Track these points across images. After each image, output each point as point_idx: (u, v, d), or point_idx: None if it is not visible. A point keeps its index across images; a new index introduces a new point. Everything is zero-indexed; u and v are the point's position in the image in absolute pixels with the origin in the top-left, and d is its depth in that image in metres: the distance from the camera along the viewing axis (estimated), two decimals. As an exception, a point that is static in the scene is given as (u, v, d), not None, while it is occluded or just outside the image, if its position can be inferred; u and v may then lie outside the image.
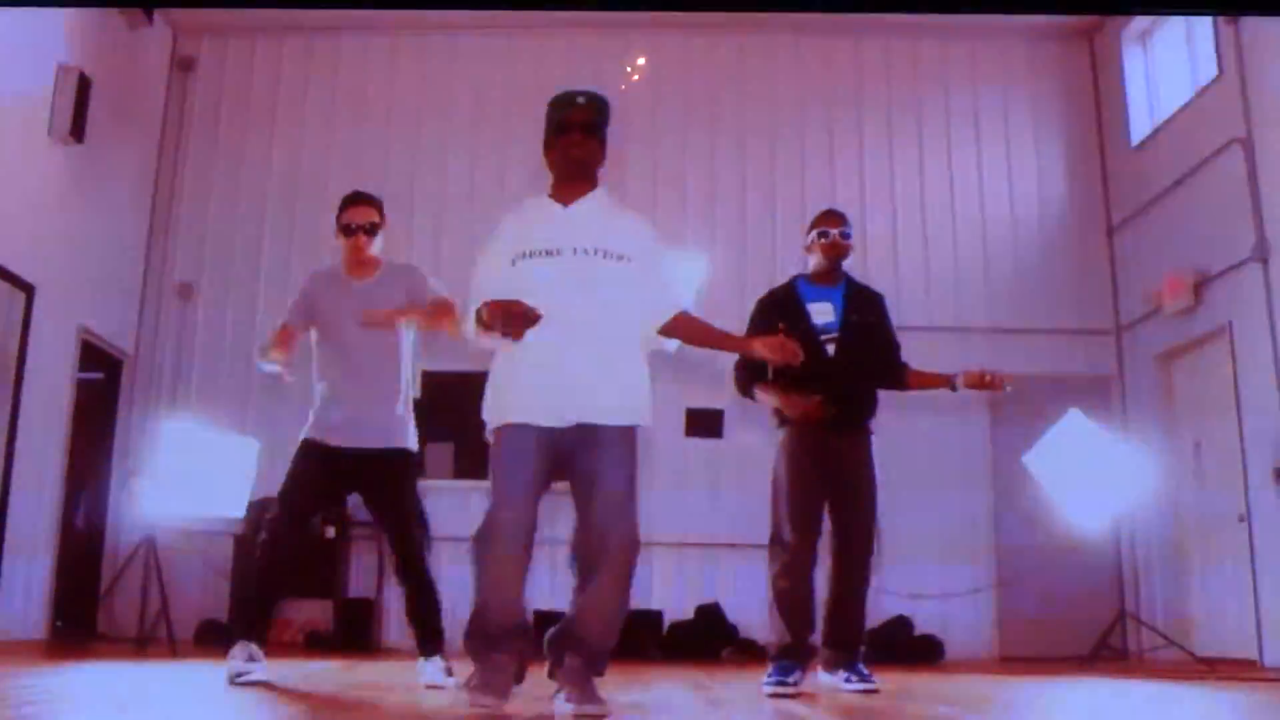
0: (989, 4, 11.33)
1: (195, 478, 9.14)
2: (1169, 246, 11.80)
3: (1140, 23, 12.76)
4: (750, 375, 6.73)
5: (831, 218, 7.04)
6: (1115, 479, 9.90)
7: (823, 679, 6.60)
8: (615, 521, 4.74)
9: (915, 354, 12.24)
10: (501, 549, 4.69)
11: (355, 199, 6.90)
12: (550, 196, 5.13)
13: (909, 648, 11.23)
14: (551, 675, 4.90)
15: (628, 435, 4.87)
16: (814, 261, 6.99)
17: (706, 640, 11.37)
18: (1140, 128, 12.67)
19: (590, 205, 5.05)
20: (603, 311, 4.81)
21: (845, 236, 6.98)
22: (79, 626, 11.50)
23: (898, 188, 13.40)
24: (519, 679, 4.85)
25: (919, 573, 12.06)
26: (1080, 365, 12.75)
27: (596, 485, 4.76)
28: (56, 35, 11.02)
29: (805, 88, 13.58)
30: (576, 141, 5.02)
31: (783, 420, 6.75)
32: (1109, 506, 10.19)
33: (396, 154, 13.26)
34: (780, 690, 6.25)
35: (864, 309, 7.01)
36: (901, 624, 11.51)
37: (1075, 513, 10.17)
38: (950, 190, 13.39)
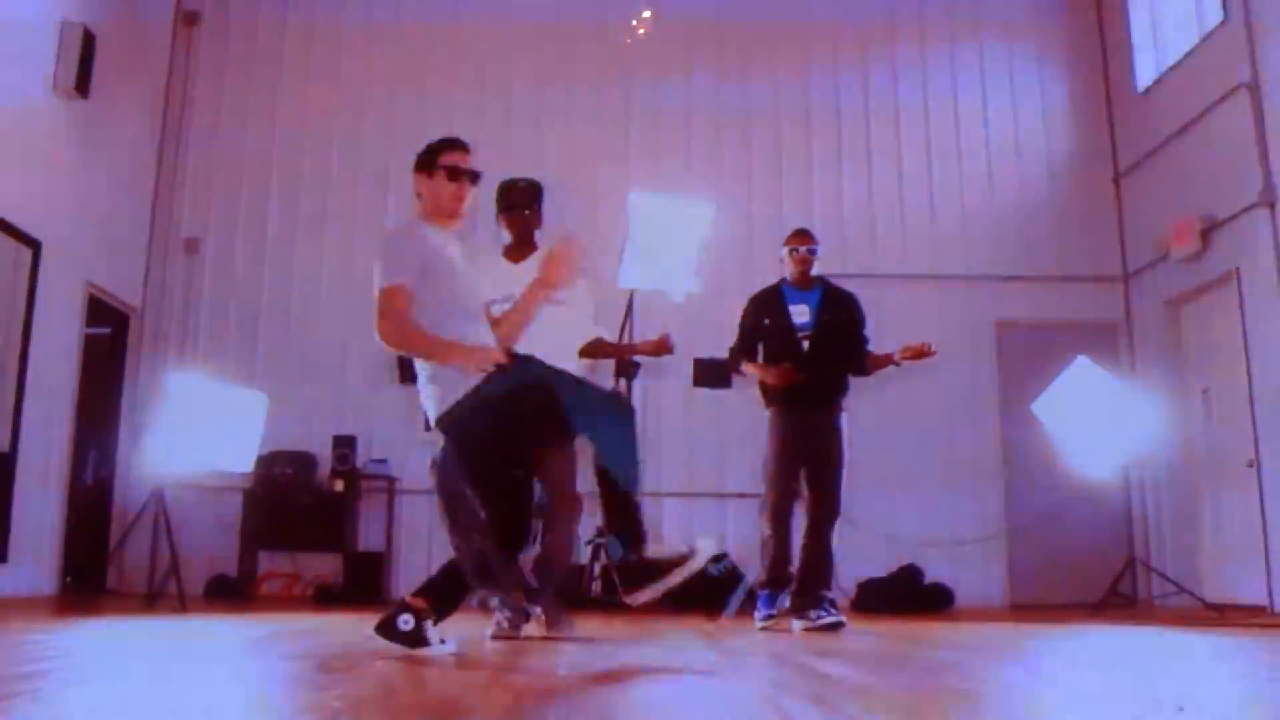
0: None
1: (204, 431, 9.10)
2: (1176, 193, 11.72)
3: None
4: (741, 355, 8.18)
5: (798, 236, 8.22)
6: (1124, 425, 9.89)
7: (794, 624, 7.57)
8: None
9: (925, 301, 12.37)
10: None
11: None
12: (504, 256, 7.03)
13: (919, 596, 11.20)
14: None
15: None
16: (789, 271, 8.21)
17: (716, 590, 11.33)
18: (1146, 74, 12.57)
19: (532, 264, 6.54)
20: (543, 337, 6.00)
21: (811, 252, 8.15)
22: (88, 582, 11.48)
23: (904, 138, 13.32)
24: None
25: (928, 521, 12.07)
26: (1088, 312, 12.70)
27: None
28: (59, -9, 10.95)
29: (813, 40, 13.49)
30: (520, 220, 7.04)
31: (769, 400, 8.05)
32: (1118, 453, 10.19)
33: (400, 107, 13.21)
34: (768, 624, 7.69)
35: (836, 310, 8.16)
36: (911, 572, 11.46)
37: (1084, 459, 10.18)
38: (957, 141, 13.31)
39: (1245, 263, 10.58)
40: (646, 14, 12.35)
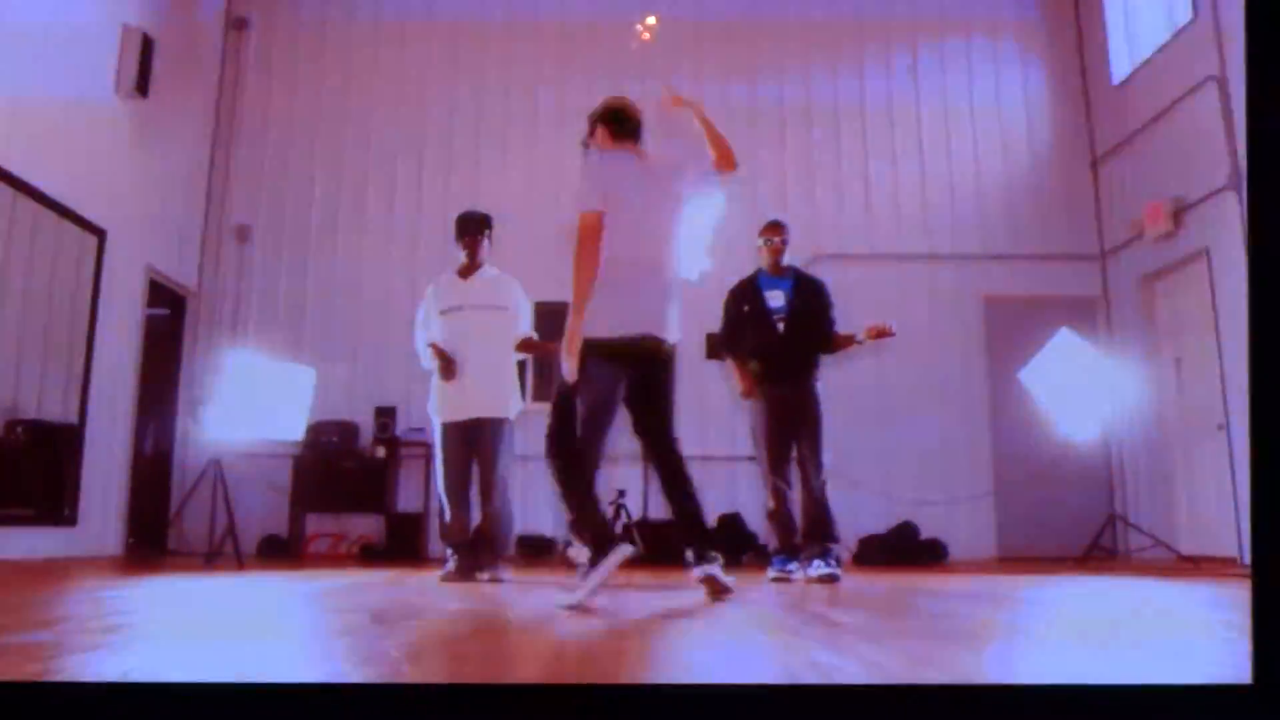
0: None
1: (257, 404, 9.20)
2: (1150, 177, 11.72)
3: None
4: (725, 343, 8.56)
5: (772, 228, 8.48)
6: (1103, 392, 9.97)
7: (795, 574, 7.86)
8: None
9: (915, 279, 12.45)
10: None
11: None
12: (457, 273, 8.03)
13: (915, 550, 11.28)
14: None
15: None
16: (763, 260, 8.47)
17: (729, 547, 11.39)
18: (1121, 68, 12.57)
19: (478, 278, 7.97)
20: (480, 339, 7.68)
21: (784, 243, 8.42)
22: (151, 544, 11.56)
23: (897, 130, 13.32)
24: None
25: (923, 481, 12.14)
26: (1068, 288, 12.70)
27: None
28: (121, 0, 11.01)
29: (813, 40, 13.50)
30: (470, 244, 8.00)
31: (744, 395, 8.37)
32: (1098, 417, 10.26)
33: (431, 102, 13.29)
34: (779, 575, 7.83)
35: (807, 296, 8.38)
36: (908, 529, 11.53)
37: (1067, 423, 10.26)
38: (945, 129, 13.31)
39: (1214, 242, 10.58)
40: (651, 19, 12.38)
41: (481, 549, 7.74)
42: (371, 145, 13.19)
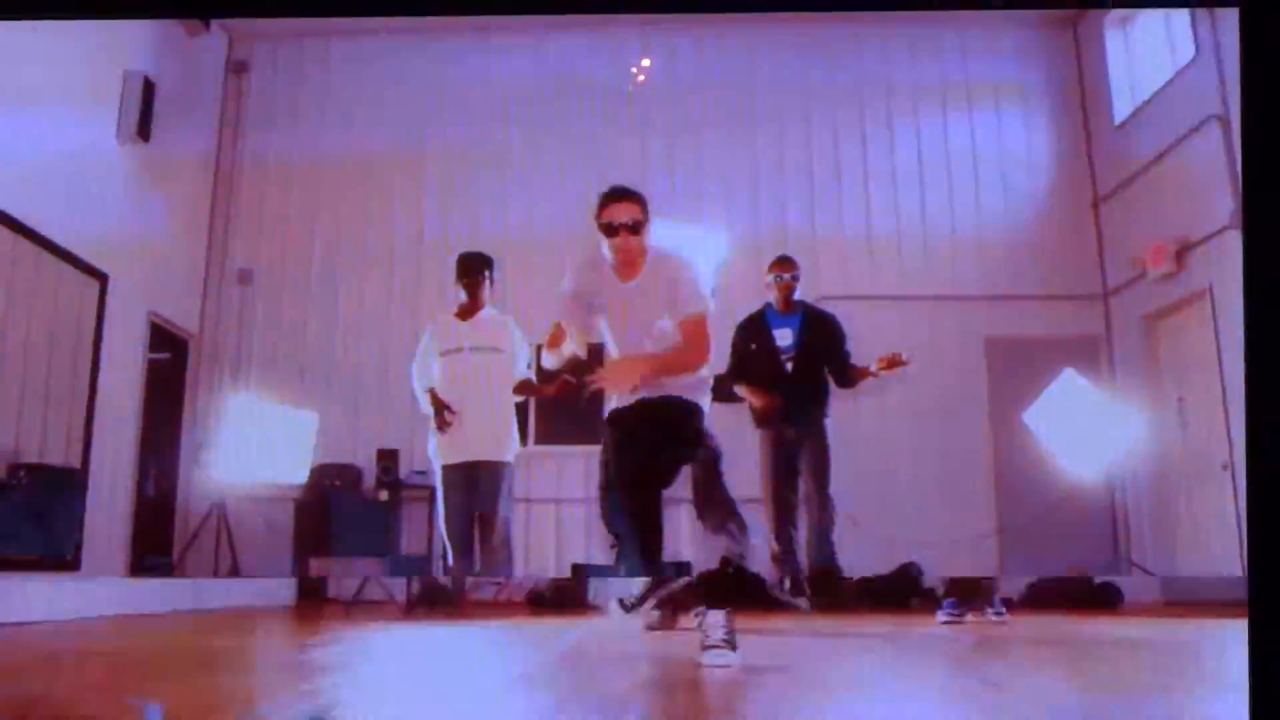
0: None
1: (261, 447, 9.24)
2: (1152, 216, 11.73)
3: (1120, 10, 12.70)
4: (733, 378, 8.29)
5: (781, 264, 8.46)
6: (1107, 432, 9.99)
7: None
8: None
9: (917, 318, 12.45)
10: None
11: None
12: (455, 315, 7.95)
13: (920, 593, 11.31)
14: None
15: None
16: (772, 296, 8.44)
17: (733, 590, 11.39)
18: (1123, 107, 12.60)
19: (477, 319, 7.88)
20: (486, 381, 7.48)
21: (795, 279, 8.40)
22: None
23: (899, 166, 13.35)
24: None
25: (923, 522, 12.10)
26: (1071, 327, 12.71)
27: None
28: (122, 43, 11.04)
29: (812, 74, 13.54)
30: (471, 284, 7.90)
31: (758, 421, 8.35)
32: (1102, 457, 10.27)
33: (434, 148, 13.33)
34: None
35: (817, 332, 8.34)
36: (910, 569, 11.52)
37: (1070, 464, 10.26)
38: (947, 169, 13.34)
39: (1218, 280, 10.59)
40: (645, 62, 12.48)
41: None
42: (372, 187, 13.23)
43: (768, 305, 8.48)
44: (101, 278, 10.54)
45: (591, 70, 13.20)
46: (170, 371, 12.40)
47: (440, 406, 7.74)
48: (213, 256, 13.06)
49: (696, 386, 5.38)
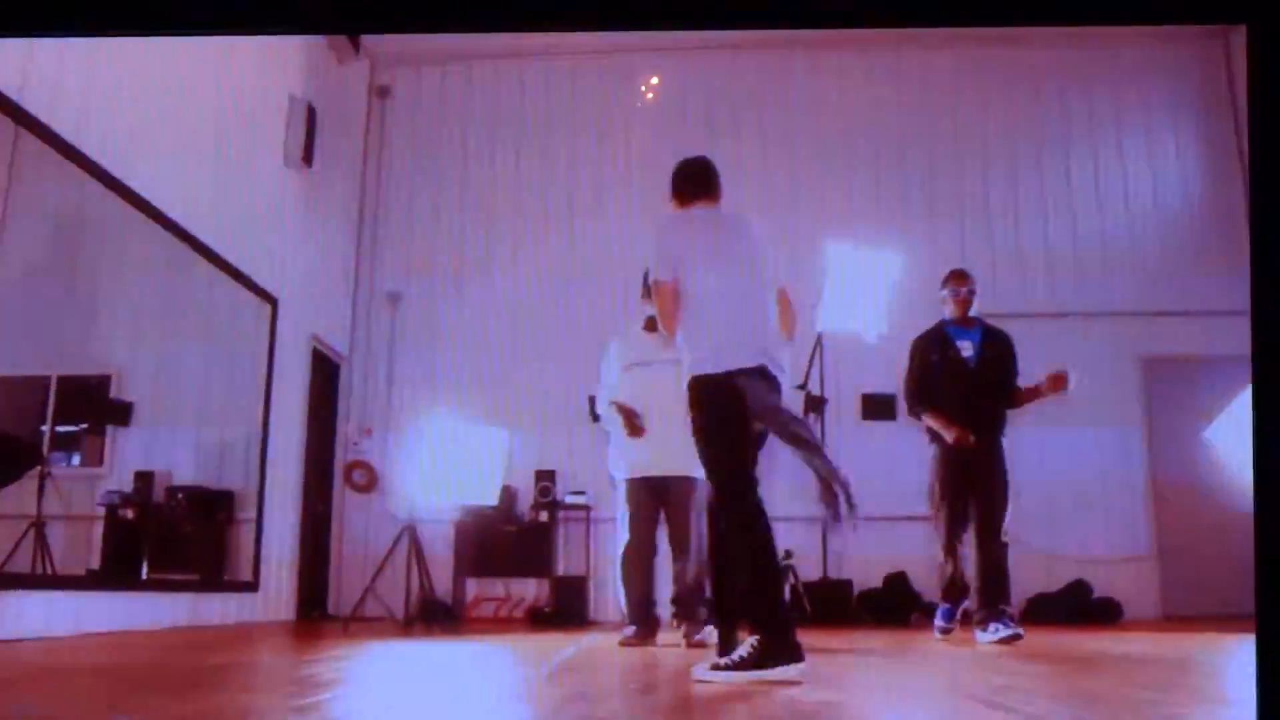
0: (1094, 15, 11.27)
1: (452, 468, 9.28)
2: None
3: (1270, 21, 12.65)
4: (918, 400, 8.24)
5: (958, 278, 8.30)
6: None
7: (979, 637, 7.53)
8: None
9: (1071, 336, 12.33)
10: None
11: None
12: (643, 327, 7.77)
13: (1089, 609, 11.36)
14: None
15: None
16: (949, 310, 8.26)
17: (895, 606, 11.40)
18: (1277, 120, 12.54)
19: (659, 335, 7.07)
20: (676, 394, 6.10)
21: (972, 293, 8.25)
22: (312, 609, 11.68)
23: (1048, 190, 13.35)
24: None
25: (1089, 541, 12.08)
26: (1230, 346, 12.63)
27: None
28: (283, 70, 11.19)
29: (959, 97, 13.58)
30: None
31: (934, 438, 8.13)
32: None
33: (577, 167, 13.42)
34: (945, 635, 8.04)
35: (996, 347, 8.22)
36: (1080, 587, 11.56)
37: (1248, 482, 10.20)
38: (1096, 189, 13.31)
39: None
40: (655, 80, 12.54)
41: (687, 609, 7.59)
42: (521, 204, 13.29)
43: (944, 320, 8.31)
44: (272, 300, 10.66)
45: (761, 90, 13.30)
46: (323, 395, 12.51)
47: (629, 414, 7.64)
48: (361, 279, 13.23)
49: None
